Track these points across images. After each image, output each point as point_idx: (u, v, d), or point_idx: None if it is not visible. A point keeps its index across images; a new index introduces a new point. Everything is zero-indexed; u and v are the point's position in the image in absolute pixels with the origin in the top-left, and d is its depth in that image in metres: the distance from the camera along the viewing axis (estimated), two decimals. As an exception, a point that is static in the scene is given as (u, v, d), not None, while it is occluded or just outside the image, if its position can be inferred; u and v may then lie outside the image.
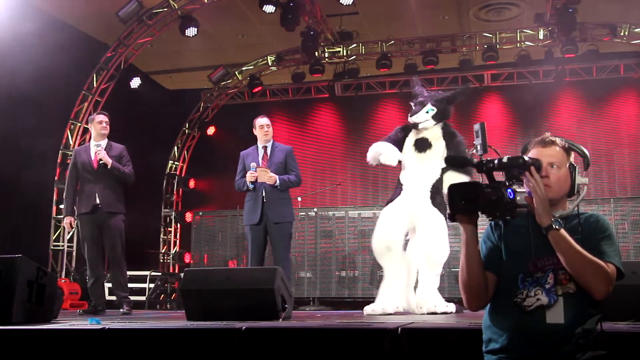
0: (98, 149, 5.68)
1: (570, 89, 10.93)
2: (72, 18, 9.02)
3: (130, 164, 5.85)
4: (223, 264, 8.37)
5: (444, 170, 5.20)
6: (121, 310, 5.57)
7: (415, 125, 5.30)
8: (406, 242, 5.30)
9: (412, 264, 5.20)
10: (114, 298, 5.89)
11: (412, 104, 5.40)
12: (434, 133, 5.31)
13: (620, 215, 7.33)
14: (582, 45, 10.15)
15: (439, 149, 5.27)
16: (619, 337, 2.40)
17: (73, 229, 5.71)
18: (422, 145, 5.30)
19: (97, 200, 5.59)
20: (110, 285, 5.74)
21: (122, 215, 5.75)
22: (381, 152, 5.23)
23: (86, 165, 5.71)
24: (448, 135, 5.30)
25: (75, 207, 5.78)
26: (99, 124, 5.81)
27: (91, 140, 5.88)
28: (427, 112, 5.24)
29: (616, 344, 2.32)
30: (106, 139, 5.83)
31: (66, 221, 5.75)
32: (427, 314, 4.88)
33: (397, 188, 5.38)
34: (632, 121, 10.50)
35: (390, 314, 4.94)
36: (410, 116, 5.31)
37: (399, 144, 5.40)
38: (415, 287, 5.18)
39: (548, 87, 10.90)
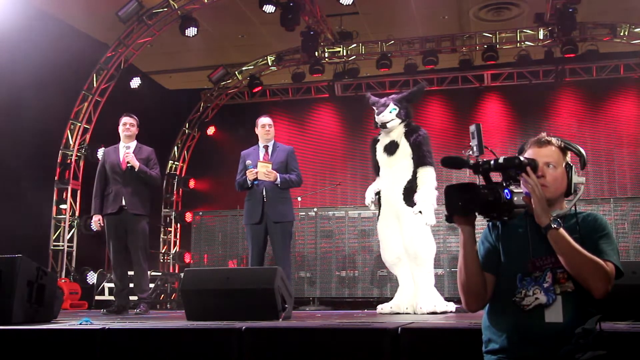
0: (127, 151, 5.71)
1: (570, 89, 10.93)
2: (72, 18, 9.02)
3: (157, 167, 5.89)
4: (223, 264, 8.37)
5: (415, 169, 5.28)
6: (136, 310, 5.61)
7: (383, 126, 5.40)
8: None
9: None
10: (134, 298, 5.92)
11: (374, 108, 5.51)
12: (399, 132, 5.41)
13: (620, 215, 7.33)
14: (582, 45, 10.15)
15: (404, 148, 5.35)
16: (618, 337, 2.40)
17: (102, 227, 5.72)
18: (391, 147, 5.40)
19: (124, 202, 5.64)
20: (131, 285, 5.78)
21: (147, 217, 5.81)
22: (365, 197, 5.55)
23: (114, 166, 5.74)
24: (409, 132, 5.38)
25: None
26: (123, 125, 5.85)
27: (121, 142, 5.89)
28: (391, 112, 5.37)
29: (616, 344, 2.32)
30: (135, 141, 5.87)
31: (94, 219, 5.77)
32: (428, 313, 4.90)
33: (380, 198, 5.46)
34: (631, 121, 10.50)
35: (401, 313, 5.07)
36: (377, 115, 5.42)
37: (375, 156, 5.54)
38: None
39: (548, 87, 10.91)
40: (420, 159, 5.25)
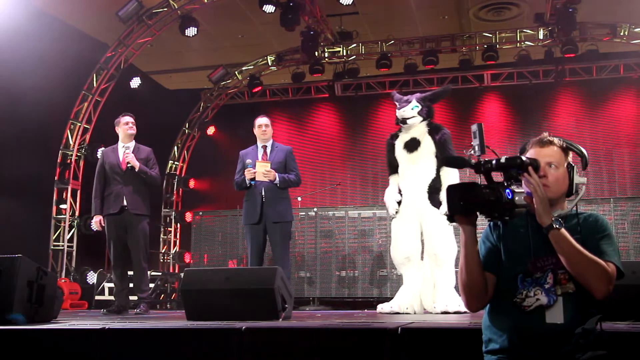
0: (126, 151, 5.70)
1: (570, 89, 10.94)
2: (72, 18, 9.03)
3: (156, 166, 5.90)
4: (223, 264, 8.37)
5: (439, 168, 5.25)
6: (136, 310, 5.61)
7: (403, 121, 5.39)
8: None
9: (428, 268, 5.29)
10: (134, 298, 5.92)
11: (397, 103, 5.53)
12: (421, 130, 5.40)
13: (620, 215, 7.33)
14: (582, 45, 10.16)
15: (428, 146, 5.33)
16: (619, 337, 2.40)
17: (103, 227, 5.73)
18: (412, 144, 5.38)
19: (125, 202, 5.64)
20: (131, 285, 5.80)
21: (148, 217, 5.81)
22: (387, 205, 5.44)
23: (114, 167, 5.74)
24: (433, 130, 5.38)
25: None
26: (125, 124, 5.83)
27: (119, 142, 5.87)
28: (413, 109, 5.37)
29: (616, 344, 2.32)
30: (134, 141, 5.86)
31: (95, 220, 5.75)
32: (441, 313, 4.90)
33: (400, 194, 5.43)
34: (631, 121, 10.51)
35: (401, 313, 5.05)
36: (398, 110, 5.42)
37: (392, 153, 5.51)
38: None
39: (548, 87, 10.92)
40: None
